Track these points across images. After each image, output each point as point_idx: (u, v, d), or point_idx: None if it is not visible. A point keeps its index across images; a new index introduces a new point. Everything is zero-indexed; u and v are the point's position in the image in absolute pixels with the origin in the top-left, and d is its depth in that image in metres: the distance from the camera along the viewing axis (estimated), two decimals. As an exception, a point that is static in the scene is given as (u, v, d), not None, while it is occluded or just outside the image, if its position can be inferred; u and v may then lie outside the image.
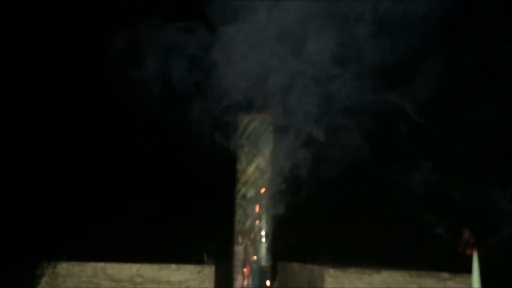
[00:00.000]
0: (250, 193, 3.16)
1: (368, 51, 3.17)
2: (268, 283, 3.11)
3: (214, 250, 3.30)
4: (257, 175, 3.17)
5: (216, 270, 2.75)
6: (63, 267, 2.65)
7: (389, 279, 2.63)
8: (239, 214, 3.17)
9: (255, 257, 3.10)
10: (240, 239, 3.15)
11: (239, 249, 3.13)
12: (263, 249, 3.13)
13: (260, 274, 3.10)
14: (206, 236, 4.43)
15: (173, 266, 2.70)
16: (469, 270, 1.89)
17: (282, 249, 3.24)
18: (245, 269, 3.09)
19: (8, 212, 4.67)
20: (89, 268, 2.66)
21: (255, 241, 3.12)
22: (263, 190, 3.16)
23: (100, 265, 2.66)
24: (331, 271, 2.60)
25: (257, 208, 3.15)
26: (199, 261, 2.98)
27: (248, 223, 3.13)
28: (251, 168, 3.17)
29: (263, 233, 3.14)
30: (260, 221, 3.14)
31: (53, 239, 4.11)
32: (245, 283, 3.08)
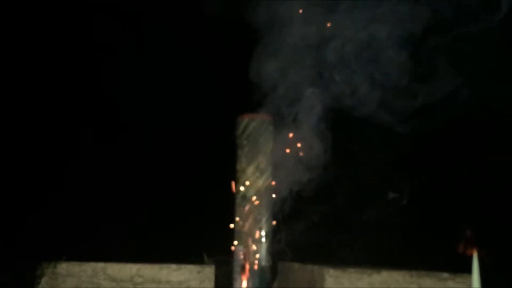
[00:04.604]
0: (250, 193, 3.16)
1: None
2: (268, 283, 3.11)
3: (214, 250, 3.29)
4: (257, 175, 3.17)
5: (216, 270, 2.74)
6: (63, 267, 2.65)
7: (389, 279, 2.63)
8: (239, 214, 3.17)
9: (255, 257, 3.10)
10: (240, 239, 3.14)
11: (239, 249, 3.13)
12: (263, 249, 3.13)
13: (260, 274, 3.10)
14: (206, 236, 4.43)
15: (173, 266, 2.70)
16: (469, 270, 1.89)
17: (282, 249, 3.23)
18: (245, 269, 3.09)
19: (8, 213, 4.67)
20: (89, 268, 2.66)
21: (255, 241, 3.12)
22: (263, 190, 3.16)
23: (100, 265, 2.66)
24: (331, 271, 2.60)
25: (257, 208, 3.15)
26: (199, 261, 2.98)
27: (248, 223, 3.13)
28: (251, 168, 3.17)
29: (263, 233, 3.14)
30: (260, 221, 3.14)
31: (53, 239, 4.11)
32: (245, 283, 3.07)
